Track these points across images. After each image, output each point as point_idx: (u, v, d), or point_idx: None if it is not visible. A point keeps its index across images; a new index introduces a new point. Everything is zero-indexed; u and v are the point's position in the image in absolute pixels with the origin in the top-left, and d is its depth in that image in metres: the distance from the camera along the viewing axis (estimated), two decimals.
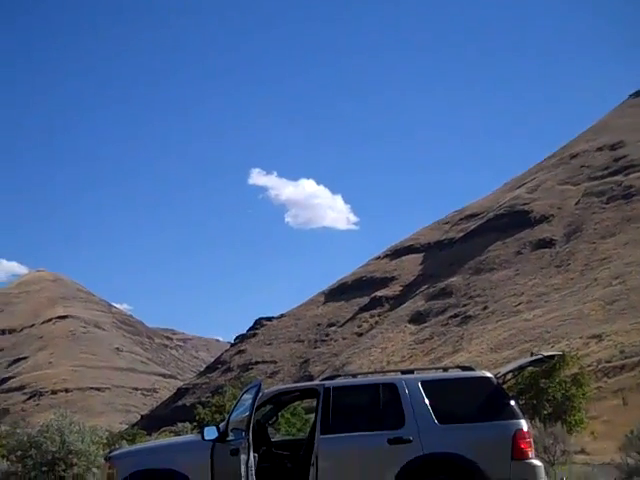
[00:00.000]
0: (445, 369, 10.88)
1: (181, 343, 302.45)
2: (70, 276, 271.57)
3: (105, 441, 25.95)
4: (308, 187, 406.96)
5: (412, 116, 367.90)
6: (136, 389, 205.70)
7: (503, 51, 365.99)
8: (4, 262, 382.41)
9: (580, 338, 64.99)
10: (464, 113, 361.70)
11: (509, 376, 10.49)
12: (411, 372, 10.26)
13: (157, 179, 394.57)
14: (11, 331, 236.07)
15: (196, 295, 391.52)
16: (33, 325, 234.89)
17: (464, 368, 10.30)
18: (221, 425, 9.97)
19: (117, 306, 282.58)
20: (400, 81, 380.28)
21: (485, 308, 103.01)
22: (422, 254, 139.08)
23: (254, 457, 9.43)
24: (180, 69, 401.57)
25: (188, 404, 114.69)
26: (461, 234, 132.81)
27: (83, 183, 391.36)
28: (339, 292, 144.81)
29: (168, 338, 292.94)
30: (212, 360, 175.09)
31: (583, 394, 25.70)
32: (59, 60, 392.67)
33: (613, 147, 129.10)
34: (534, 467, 9.26)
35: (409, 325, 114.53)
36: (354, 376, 10.98)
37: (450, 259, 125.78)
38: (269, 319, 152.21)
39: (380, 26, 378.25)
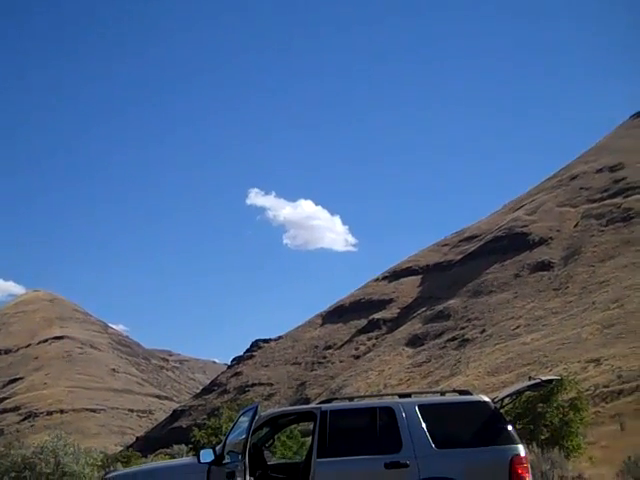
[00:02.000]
0: (442, 393, 10.88)
1: (177, 365, 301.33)
2: (67, 296, 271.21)
3: (100, 463, 25.86)
4: (307, 208, 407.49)
5: (411, 137, 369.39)
6: (132, 410, 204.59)
7: (502, 71, 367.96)
8: (0, 282, 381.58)
9: (578, 362, 64.81)
10: (463, 134, 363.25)
11: (507, 400, 10.50)
12: (408, 396, 10.27)
13: (155, 199, 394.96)
14: (7, 351, 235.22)
15: (193, 316, 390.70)
16: (29, 345, 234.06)
17: (461, 392, 10.31)
18: (217, 448, 9.96)
19: (113, 327, 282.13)
20: (399, 102, 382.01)
21: (483, 331, 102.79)
22: (420, 276, 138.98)
23: None
24: (177, 87, 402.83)
25: (184, 426, 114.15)
26: (460, 256, 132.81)
27: (80, 203, 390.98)
28: (337, 314, 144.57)
29: (164, 359, 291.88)
30: (208, 382, 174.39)
31: (581, 419, 25.59)
32: (57, 70, 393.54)
33: (613, 169, 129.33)
34: None
35: (406, 348, 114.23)
36: (351, 399, 10.99)
37: (448, 281, 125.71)
38: (266, 341, 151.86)
39: (379, 47, 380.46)
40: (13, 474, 21.56)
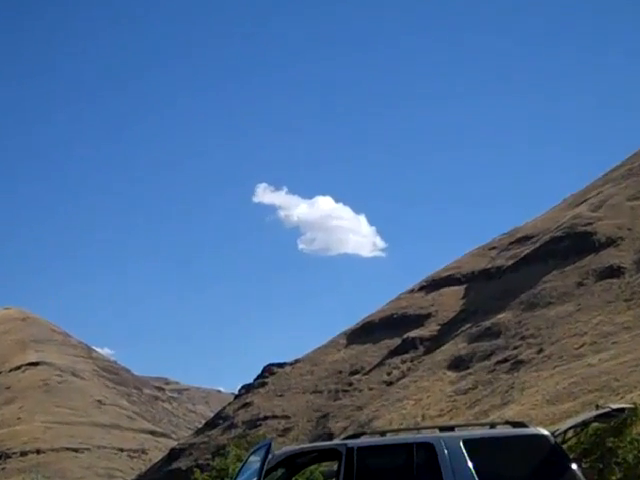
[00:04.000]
0: (492, 425, 10.86)
1: (175, 395, 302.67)
2: (43, 315, 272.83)
3: None
4: (325, 205, 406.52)
5: (451, 121, 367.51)
6: (121, 450, 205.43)
7: (561, 52, 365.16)
8: None
9: None
10: (515, 119, 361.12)
11: (570, 434, 10.47)
12: (451, 429, 10.26)
13: (144, 199, 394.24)
14: None
15: (193, 338, 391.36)
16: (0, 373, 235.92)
17: (515, 424, 10.29)
18: None
19: (98, 350, 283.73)
20: (435, 81, 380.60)
21: (540, 351, 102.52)
22: (464, 286, 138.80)
23: None
24: (175, 68, 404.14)
25: (184, 467, 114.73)
26: (511, 262, 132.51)
27: (56, 204, 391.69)
28: (364, 333, 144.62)
29: (159, 389, 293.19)
30: (212, 415, 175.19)
31: None
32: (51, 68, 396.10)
33: None
34: None
35: (448, 372, 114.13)
36: (382, 434, 10.99)
37: (498, 292, 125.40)
38: (280, 365, 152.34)
39: (412, 33, 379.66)
40: None
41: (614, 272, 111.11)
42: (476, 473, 9.30)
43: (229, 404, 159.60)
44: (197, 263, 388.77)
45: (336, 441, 10.59)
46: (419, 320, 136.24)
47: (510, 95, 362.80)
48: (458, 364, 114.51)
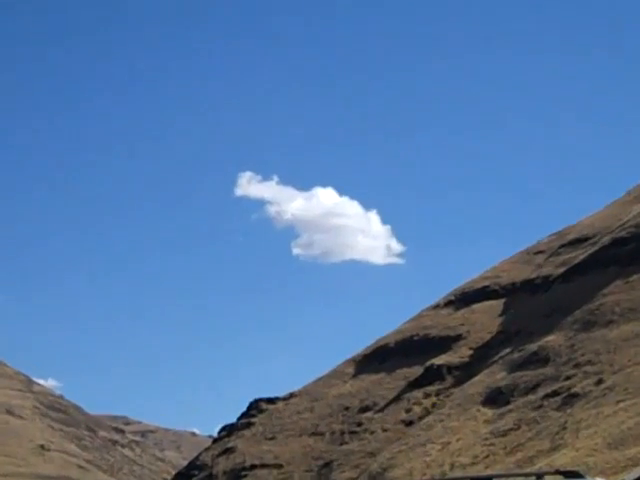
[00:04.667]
0: (539, 476, 10.90)
1: (138, 438, 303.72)
2: None
3: None
4: (326, 199, 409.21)
5: (487, 94, 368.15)
6: None
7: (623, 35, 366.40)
8: None
9: None
10: (568, 94, 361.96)
11: None
12: None
13: (98, 196, 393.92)
14: None
15: (160, 367, 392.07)
16: None
17: (568, 474, 10.34)
18: None
19: (41, 383, 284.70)
20: (472, 53, 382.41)
21: (600, 382, 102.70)
22: (502, 301, 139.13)
23: None
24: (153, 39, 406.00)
25: None
26: (562, 269, 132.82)
27: None
28: (377, 359, 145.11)
29: (118, 431, 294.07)
30: (185, 463, 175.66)
31: None
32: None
33: None
34: None
35: (483, 409, 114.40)
36: None
37: (545, 308, 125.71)
38: (271, 401, 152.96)
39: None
40: None
41: None
42: None
43: (206, 449, 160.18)
44: (165, 275, 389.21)
45: None
46: (446, 343, 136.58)
47: (563, 69, 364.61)
48: (496, 399, 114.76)
